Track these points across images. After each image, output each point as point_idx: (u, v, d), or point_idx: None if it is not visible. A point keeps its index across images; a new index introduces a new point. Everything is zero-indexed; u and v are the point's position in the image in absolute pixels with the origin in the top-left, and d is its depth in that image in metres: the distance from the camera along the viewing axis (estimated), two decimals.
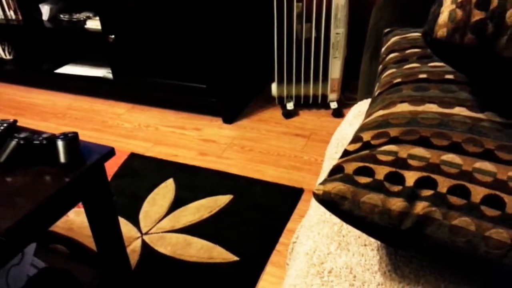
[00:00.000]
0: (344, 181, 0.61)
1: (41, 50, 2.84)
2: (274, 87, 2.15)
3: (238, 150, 1.94)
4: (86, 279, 1.18)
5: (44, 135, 0.98)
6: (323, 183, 0.63)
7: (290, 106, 2.18)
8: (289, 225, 1.50)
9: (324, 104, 2.23)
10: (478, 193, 0.56)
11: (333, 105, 2.16)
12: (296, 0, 1.90)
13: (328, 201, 0.61)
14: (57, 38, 2.84)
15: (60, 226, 1.52)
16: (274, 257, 1.37)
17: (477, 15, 0.57)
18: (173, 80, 2.15)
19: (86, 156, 1.00)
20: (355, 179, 0.61)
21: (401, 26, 1.01)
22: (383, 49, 0.93)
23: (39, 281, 1.15)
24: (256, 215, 1.54)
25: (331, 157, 0.97)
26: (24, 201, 0.87)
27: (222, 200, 1.62)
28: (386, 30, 1.01)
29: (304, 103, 2.22)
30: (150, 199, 1.64)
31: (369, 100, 1.08)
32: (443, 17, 0.60)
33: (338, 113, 2.16)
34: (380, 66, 0.88)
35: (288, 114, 2.18)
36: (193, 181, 1.73)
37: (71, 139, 0.97)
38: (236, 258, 1.36)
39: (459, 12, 0.59)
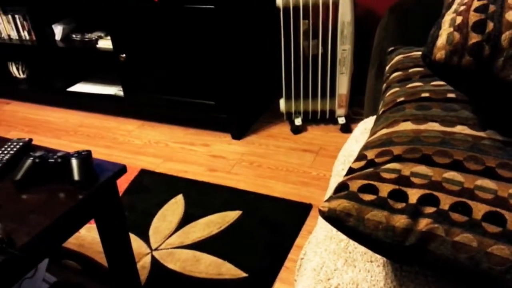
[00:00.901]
0: (349, 198, 0.62)
1: (54, 69, 2.92)
2: (282, 103, 2.18)
3: (247, 166, 1.96)
4: None
5: (59, 154, 1.02)
6: (328, 200, 0.64)
7: (298, 121, 2.20)
8: (298, 241, 1.51)
9: (332, 120, 2.25)
10: (479, 210, 0.57)
11: (341, 120, 2.18)
12: (302, 18, 1.95)
13: (334, 218, 0.63)
14: (69, 57, 2.92)
15: (71, 242, 1.55)
16: (282, 274, 1.38)
17: (474, 38, 0.60)
18: (182, 97, 2.20)
19: (98, 174, 1.03)
20: (359, 196, 0.62)
21: (405, 45, 1.03)
22: (387, 68, 0.96)
23: None
24: (265, 231, 1.55)
25: (338, 174, 0.99)
26: (39, 218, 0.89)
27: (231, 216, 1.63)
28: (390, 49, 1.04)
29: (312, 119, 2.24)
30: (160, 215, 1.66)
31: (374, 117, 1.10)
32: (442, 39, 0.62)
33: (346, 128, 2.17)
34: (384, 85, 0.90)
35: (296, 130, 2.20)
36: (202, 197, 1.75)
37: (85, 157, 1.00)
38: (245, 275, 1.37)
39: (457, 35, 0.61)
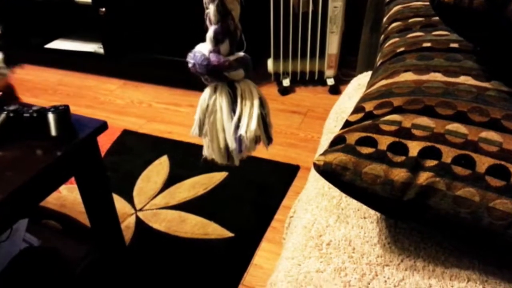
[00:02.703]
0: (346, 152, 0.59)
1: (29, 25, 2.76)
2: (270, 63, 2.11)
3: None
4: (79, 255, 1.17)
5: (34, 108, 0.95)
6: (324, 153, 0.61)
7: (286, 82, 2.15)
8: (285, 202, 1.49)
9: (321, 81, 2.20)
10: (483, 163, 0.54)
11: (330, 81, 2.13)
12: None
13: (329, 172, 0.59)
14: (45, 12, 2.76)
15: (52, 202, 1.50)
16: (269, 234, 1.37)
17: None
18: (167, 56, 2.11)
19: (78, 130, 0.97)
20: (357, 149, 0.59)
21: None
22: (385, 19, 0.90)
23: (22, 261, 1.13)
24: (252, 192, 1.53)
25: (330, 131, 0.95)
26: (14, 176, 0.84)
27: (217, 177, 1.60)
28: (388, 0, 0.98)
29: (301, 80, 2.19)
30: (144, 176, 1.62)
31: (369, 73, 1.06)
32: None
33: (335, 90, 2.13)
34: (382, 36, 0.85)
35: (284, 91, 2.15)
36: (188, 158, 1.71)
37: (62, 112, 0.94)
38: (231, 234, 1.35)
39: None
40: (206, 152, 0.68)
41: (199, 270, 1.24)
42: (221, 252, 1.30)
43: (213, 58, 0.60)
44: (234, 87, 0.63)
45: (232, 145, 0.63)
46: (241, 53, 0.62)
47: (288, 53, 2.06)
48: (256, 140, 0.64)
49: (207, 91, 0.64)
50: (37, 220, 1.42)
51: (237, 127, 0.62)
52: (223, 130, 0.64)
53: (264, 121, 0.64)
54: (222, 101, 0.62)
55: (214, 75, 0.61)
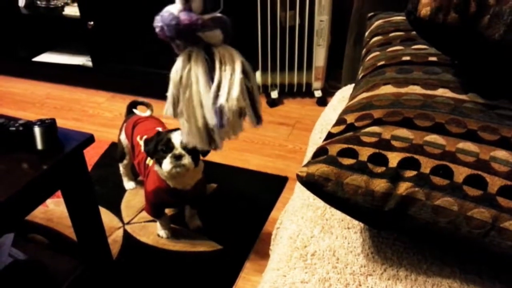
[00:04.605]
0: (328, 163, 0.60)
1: (18, 38, 2.76)
2: (258, 75, 2.13)
3: None
4: (66, 269, 1.15)
5: (21, 122, 0.95)
6: (307, 165, 0.62)
7: (274, 94, 2.17)
8: (273, 214, 1.49)
9: (309, 93, 2.22)
10: (461, 173, 0.56)
11: (318, 93, 2.15)
12: None
13: (312, 183, 0.60)
14: (34, 25, 2.75)
15: (39, 216, 1.49)
16: (258, 246, 1.37)
17: None
18: (155, 68, 2.12)
19: (64, 143, 0.97)
20: (338, 160, 0.60)
21: (385, 10, 1.00)
22: (367, 33, 0.93)
23: (8, 276, 1.12)
24: (240, 204, 1.53)
25: (315, 143, 0.97)
26: None
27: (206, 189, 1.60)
28: (370, 14, 1.01)
29: (289, 92, 2.21)
30: (132, 189, 1.61)
31: (352, 86, 1.08)
32: None
33: (323, 102, 2.15)
34: (364, 50, 0.87)
35: (272, 103, 2.17)
36: None
37: (48, 126, 0.94)
38: (219, 247, 1.35)
39: None
40: (184, 138, 0.59)
41: (188, 284, 1.24)
42: (210, 265, 1.29)
43: (184, 16, 0.51)
44: (211, 52, 0.53)
45: (212, 120, 0.53)
46: (217, 13, 0.53)
47: (276, 66, 2.09)
48: (240, 113, 0.54)
49: (180, 60, 0.54)
50: (23, 235, 1.40)
51: (216, 97, 0.52)
52: (201, 106, 0.54)
53: (249, 93, 0.55)
54: (198, 70, 0.53)
55: (186, 37, 0.52)
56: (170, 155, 1.14)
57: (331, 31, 2.05)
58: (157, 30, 0.52)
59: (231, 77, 0.52)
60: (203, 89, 0.52)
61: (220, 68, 0.52)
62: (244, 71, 0.53)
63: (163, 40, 0.53)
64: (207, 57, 0.53)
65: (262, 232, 1.42)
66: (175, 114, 0.57)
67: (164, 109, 0.57)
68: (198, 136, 0.56)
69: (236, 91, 0.52)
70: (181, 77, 0.54)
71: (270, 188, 1.60)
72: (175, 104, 0.56)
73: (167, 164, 1.14)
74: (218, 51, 0.53)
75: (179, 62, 0.54)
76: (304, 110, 2.14)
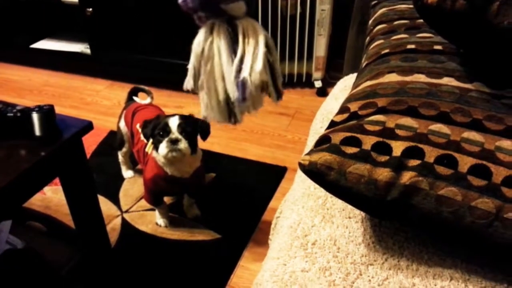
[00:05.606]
0: (330, 151, 0.59)
1: (15, 24, 2.73)
2: None
3: (222, 129, 1.91)
4: (64, 257, 1.15)
5: (18, 108, 0.94)
6: (309, 153, 0.61)
7: None
8: (272, 204, 1.49)
9: (309, 83, 2.20)
10: (465, 163, 0.55)
11: (318, 84, 2.14)
12: None
13: (314, 172, 0.59)
14: (31, 12, 2.72)
15: (37, 204, 1.48)
16: (256, 235, 1.37)
17: None
18: (154, 57, 2.10)
19: (62, 130, 0.96)
20: (342, 149, 0.59)
21: None
22: (370, 21, 0.91)
23: (5, 263, 1.11)
24: (239, 194, 1.53)
25: (316, 132, 0.96)
26: None
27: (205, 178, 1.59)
28: (373, 2, 0.99)
29: (289, 82, 2.19)
30: (130, 178, 1.61)
31: (355, 75, 1.07)
32: None
33: (323, 92, 2.14)
34: (368, 38, 0.86)
35: None
36: None
37: (47, 112, 0.93)
38: (218, 236, 1.35)
39: None
40: (203, 111, 0.58)
41: (186, 272, 1.24)
42: (208, 253, 1.29)
43: None
44: (234, 24, 0.52)
45: (234, 93, 0.52)
46: None
47: None
48: (262, 87, 0.54)
49: (202, 32, 0.53)
50: (21, 222, 1.39)
51: (239, 70, 0.51)
52: (223, 79, 0.53)
53: (271, 67, 0.54)
54: (220, 43, 0.52)
55: (209, 8, 0.51)
56: (166, 139, 1.13)
57: (332, 20, 2.03)
58: (179, 1, 0.51)
59: (254, 50, 0.51)
60: (225, 62, 0.51)
61: (243, 41, 0.51)
62: (267, 45, 0.52)
63: (185, 12, 0.51)
64: (230, 29, 0.52)
65: (261, 222, 1.41)
66: (196, 87, 0.56)
67: (184, 82, 0.56)
68: (218, 110, 0.56)
69: (259, 64, 0.51)
70: (203, 49, 0.53)
71: (269, 178, 1.60)
72: (196, 76, 0.55)
73: (163, 148, 1.13)
74: (241, 23, 0.52)
75: (201, 34, 0.53)
76: (303, 100, 2.12)
